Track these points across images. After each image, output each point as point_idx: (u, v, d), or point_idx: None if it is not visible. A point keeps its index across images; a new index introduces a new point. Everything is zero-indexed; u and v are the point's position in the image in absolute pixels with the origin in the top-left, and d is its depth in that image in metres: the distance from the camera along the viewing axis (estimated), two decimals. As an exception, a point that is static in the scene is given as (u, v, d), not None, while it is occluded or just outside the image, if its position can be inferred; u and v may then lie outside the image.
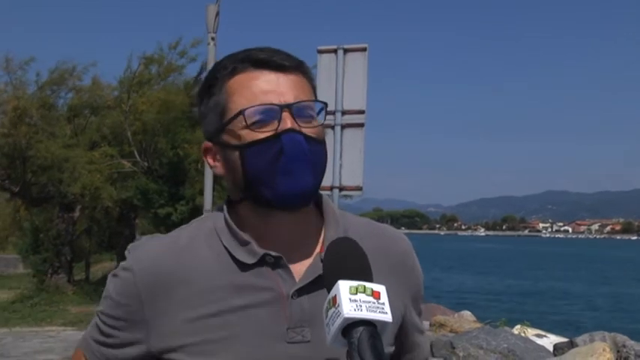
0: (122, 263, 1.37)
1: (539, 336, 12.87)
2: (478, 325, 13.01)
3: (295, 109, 1.28)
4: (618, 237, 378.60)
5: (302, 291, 1.30)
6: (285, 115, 1.27)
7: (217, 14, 11.26)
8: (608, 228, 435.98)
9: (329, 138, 6.95)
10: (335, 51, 7.15)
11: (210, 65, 11.57)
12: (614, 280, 56.54)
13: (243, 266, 1.31)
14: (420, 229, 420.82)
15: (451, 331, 11.82)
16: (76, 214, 20.42)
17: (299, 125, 1.28)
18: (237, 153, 1.29)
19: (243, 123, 1.26)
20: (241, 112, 1.26)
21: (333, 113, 7.05)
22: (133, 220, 21.49)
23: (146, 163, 19.46)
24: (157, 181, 19.14)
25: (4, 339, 11.93)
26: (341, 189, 7.01)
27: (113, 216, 21.24)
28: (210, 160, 1.37)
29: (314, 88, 1.37)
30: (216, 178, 12.83)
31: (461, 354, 9.24)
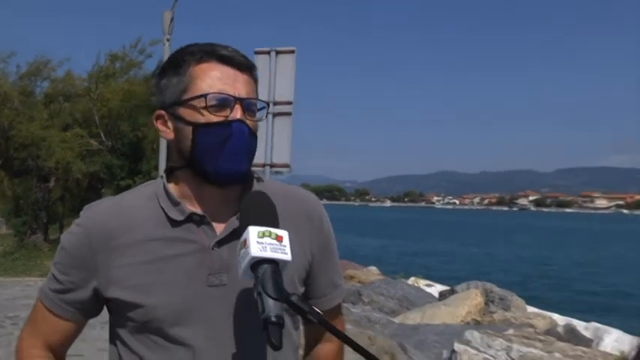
0: (76, 221, 1.32)
1: (428, 285, 13.07)
2: (381, 277, 13.18)
3: (245, 104, 1.26)
4: (494, 208, 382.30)
5: (221, 243, 1.27)
6: (237, 106, 1.25)
7: (172, 19, 11.01)
8: (486, 201, 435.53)
9: (262, 123, 6.97)
10: (269, 52, 7.01)
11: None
12: (486, 241, 57.13)
13: (174, 223, 1.27)
14: (339, 200, 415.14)
15: (359, 282, 11.91)
16: (51, 184, 19.90)
17: (246, 118, 1.26)
18: (190, 128, 1.25)
19: (203, 104, 1.23)
20: (204, 95, 1.22)
21: (266, 104, 7.04)
22: (99, 189, 20.97)
23: (110, 143, 19.16)
24: (120, 157, 18.93)
25: (-11, 288, 11.62)
26: (272, 166, 6.93)
27: (83, 186, 20.71)
28: (161, 126, 1.31)
29: (256, 88, 1.34)
30: (169, 156, 12.94)
31: (366, 300, 9.41)
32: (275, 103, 7.00)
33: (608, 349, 6.81)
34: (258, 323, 1.17)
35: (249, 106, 1.27)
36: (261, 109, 1.32)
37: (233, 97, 1.24)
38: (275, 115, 7.02)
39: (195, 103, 1.24)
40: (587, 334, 8.36)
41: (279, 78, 7.06)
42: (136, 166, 18.64)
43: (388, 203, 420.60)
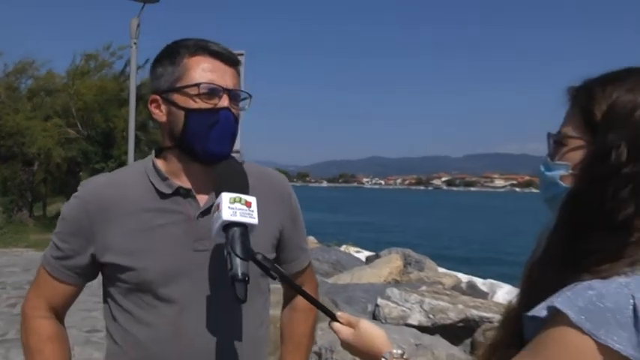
0: (74, 194, 1.29)
1: (357, 252, 13.17)
2: (318, 245, 13.24)
3: (232, 94, 1.25)
4: (413, 187, 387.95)
5: (205, 213, 1.25)
6: (225, 96, 1.23)
7: (138, 25, 10.82)
8: (407, 181, 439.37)
9: None
10: None
11: (133, 62, 11.37)
12: (406, 214, 58.11)
13: (163, 195, 1.25)
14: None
15: None
16: (35, 167, 19.67)
17: (232, 106, 1.25)
18: (182, 112, 1.22)
19: (196, 92, 1.21)
20: (198, 84, 1.21)
21: (249, 95, 7.08)
22: (77, 172, 20.78)
23: (86, 132, 18.97)
24: (94, 144, 18.77)
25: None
26: None
27: (62, 169, 20.42)
28: (155, 109, 1.28)
29: (240, 81, 1.31)
30: (137, 143, 12.98)
31: None
32: None
33: (500, 300, 7.10)
34: None
35: (235, 96, 1.26)
36: (244, 98, 1.31)
37: (222, 87, 1.23)
38: None
39: (188, 90, 1.22)
40: (484, 288, 8.72)
41: None
42: (108, 151, 18.56)
43: (325, 184, 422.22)
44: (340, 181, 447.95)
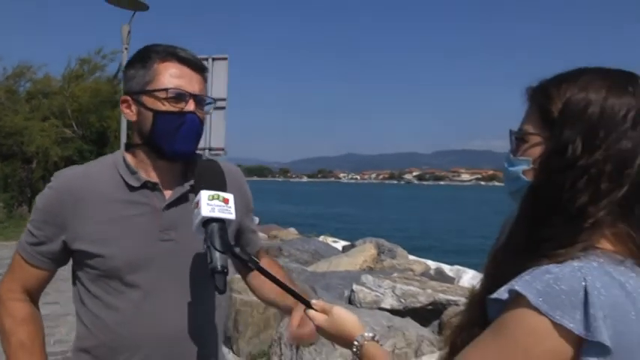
0: (48, 184, 1.29)
1: (334, 242, 13.25)
2: (298, 236, 13.23)
3: (198, 99, 1.25)
4: (386, 182, 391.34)
5: (170, 205, 1.26)
6: (191, 101, 1.23)
7: (129, 32, 10.68)
8: (381, 176, 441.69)
9: None
10: (207, 59, 6.94)
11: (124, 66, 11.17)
12: (380, 206, 58.30)
13: (132, 188, 1.25)
14: (266, 177, 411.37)
15: (280, 240, 11.88)
16: (34, 165, 19.65)
17: (197, 110, 1.25)
18: (151, 114, 1.23)
19: (164, 95, 1.22)
20: (166, 89, 1.21)
21: (214, 100, 7.06)
22: None
23: (81, 132, 18.93)
24: (89, 143, 18.72)
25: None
26: (210, 150, 6.92)
27: (59, 167, 20.39)
28: (125, 109, 1.28)
29: (206, 87, 1.32)
30: (129, 139, 12.78)
31: (286, 253, 9.39)
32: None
33: (466, 284, 7.17)
34: (199, 271, 1.23)
35: (200, 100, 1.27)
36: (209, 103, 1.32)
37: (189, 92, 1.23)
38: (213, 109, 7.01)
39: (157, 94, 1.23)
40: (451, 274, 8.81)
41: (215, 79, 7.00)
42: (103, 150, 19.07)
43: (305, 179, 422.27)
44: (319, 176, 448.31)
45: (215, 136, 7.02)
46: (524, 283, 0.76)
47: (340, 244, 12.44)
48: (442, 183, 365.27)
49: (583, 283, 0.73)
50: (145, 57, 1.25)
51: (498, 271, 0.85)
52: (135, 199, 1.25)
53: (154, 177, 1.28)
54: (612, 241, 0.81)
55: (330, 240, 13.20)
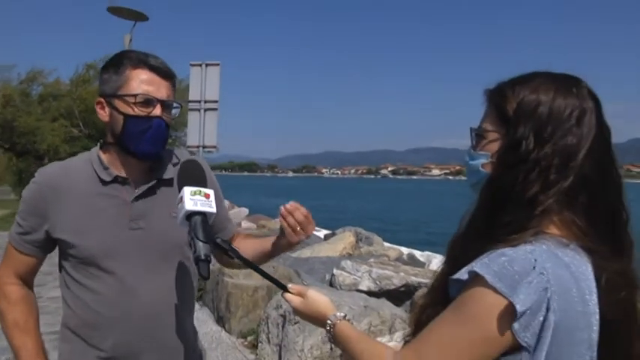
0: (32, 179, 1.29)
1: (317, 230, 13.32)
2: (284, 226, 13.33)
3: (165, 104, 1.25)
4: (364, 176, 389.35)
5: (138, 198, 1.27)
6: (158, 106, 1.23)
7: (130, 40, 10.56)
8: (360, 171, 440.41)
9: (196, 115, 6.95)
10: (201, 65, 6.97)
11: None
12: (358, 198, 58.09)
13: (104, 182, 1.26)
14: (255, 172, 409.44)
15: (268, 229, 11.77)
16: (45, 161, 19.51)
17: (164, 115, 1.24)
18: (122, 117, 1.22)
19: (134, 100, 1.21)
20: (135, 95, 1.21)
21: (199, 102, 6.95)
22: None
23: (87, 131, 18.82)
24: (94, 141, 18.91)
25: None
26: (204, 147, 6.93)
27: None
28: (99, 110, 1.28)
29: (174, 92, 1.31)
30: None
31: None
32: (205, 102, 6.96)
33: (435, 268, 7.23)
34: (167, 254, 1.27)
35: (167, 106, 1.26)
36: (176, 107, 1.29)
37: (156, 98, 1.23)
38: (205, 110, 6.98)
39: (127, 98, 1.22)
40: (422, 259, 8.90)
41: (208, 83, 6.98)
42: None
43: (291, 174, 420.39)
44: (303, 171, 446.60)
45: (208, 134, 6.99)
46: (482, 265, 0.78)
47: (322, 233, 12.39)
48: (415, 177, 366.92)
49: (534, 265, 0.75)
50: (119, 63, 1.25)
51: (459, 254, 0.86)
52: (107, 192, 1.26)
53: (123, 172, 1.28)
54: (559, 226, 0.82)
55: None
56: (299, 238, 1.25)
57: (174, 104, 1.29)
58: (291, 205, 1.23)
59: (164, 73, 1.26)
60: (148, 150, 1.25)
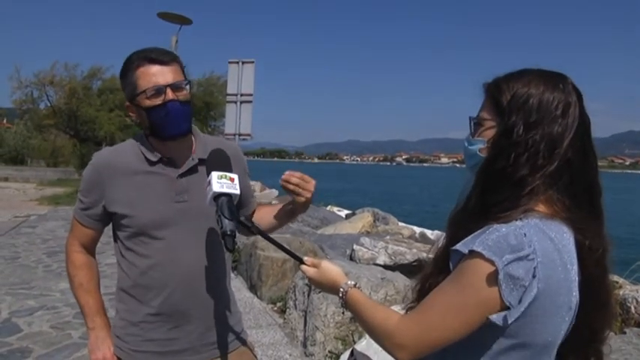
0: (90, 161, 1.32)
1: (339, 210, 13.29)
2: (310, 205, 13.41)
3: (173, 86, 1.23)
4: (381, 163, 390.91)
5: (182, 175, 1.29)
6: (169, 90, 1.23)
7: (177, 41, 10.66)
8: (377, 159, 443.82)
9: (233, 106, 7.05)
10: (237, 62, 7.04)
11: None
12: (375, 182, 58.12)
13: (151, 163, 1.29)
14: (284, 159, 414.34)
15: None
16: (103, 147, 20.20)
17: (176, 95, 1.23)
18: (144, 112, 1.25)
19: (146, 95, 1.23)
20: (144, 91, 1.23)
21: (236, 95, 7.04)
22: None
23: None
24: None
25: (35, 218, 10.59)
26: (239, 135, 7.01)
27: None
28: (131, 113, 1.31)
29: (183, 69, 1.29)
30: None
31: (299, 219, 9.30)
32: (241, 95, 7.04)
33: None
34: (207, 225, 1.28)
35: (176, 87, 1.24)
36: (187, 83, 1.27)
37: (163, 85, 1.22)
38: (241, 102, 7.07)
39: (142, 96, 1.24)
40: (432, 237, 8.75)
41: (244, 78, 7.05)
42: None
43: (316, 160, 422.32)
44: (327, 158, 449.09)
45: (243, 124, 7.07)
46: (478, 240, 0.79)
47: (344, 212, 12.44)
48: (426, 165, 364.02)
49: (524, 239, 0.78)
50: (126, 69, 1.26)
51: (458, 230, 0.88)
52: (154, 170, 1.29)
53: (167, 153, 1.30)
54: (545, 204, 0.85)
55: (335, 209, 13.19)
56: (305, 196, 1.28)
57: (184, 82, 1.26)
58: (285, 174, 1.26)
59: (163, 60, 1.24)
60: (175, 131, 1.26)
